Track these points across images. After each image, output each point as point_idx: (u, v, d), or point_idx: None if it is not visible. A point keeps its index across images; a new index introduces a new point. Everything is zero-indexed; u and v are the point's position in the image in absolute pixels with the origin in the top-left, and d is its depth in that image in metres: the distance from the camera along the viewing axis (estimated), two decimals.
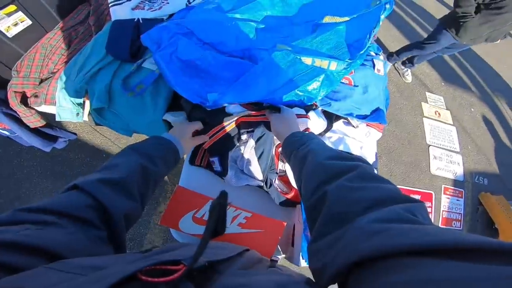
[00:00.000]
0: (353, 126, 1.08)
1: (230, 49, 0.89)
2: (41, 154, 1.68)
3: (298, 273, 0.45)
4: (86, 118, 1.07)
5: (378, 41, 2.92)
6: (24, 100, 1.04)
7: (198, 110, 0.92)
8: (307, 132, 0.68)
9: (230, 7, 0.89)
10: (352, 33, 0.78)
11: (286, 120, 0.74)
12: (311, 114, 0.90)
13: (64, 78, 1.03)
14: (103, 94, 0.98)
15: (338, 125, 1.07)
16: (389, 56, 2.73)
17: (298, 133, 0.66)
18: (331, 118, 1.03)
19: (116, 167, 0.51)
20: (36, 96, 1.04)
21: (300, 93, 0.86)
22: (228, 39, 0.87)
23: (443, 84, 2.98)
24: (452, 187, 2.42)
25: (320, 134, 0.96)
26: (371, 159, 1.13)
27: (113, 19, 1.09)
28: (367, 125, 1.11)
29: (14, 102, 1.01)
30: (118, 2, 1.13)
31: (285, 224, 0.84)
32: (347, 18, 0.80)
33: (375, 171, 1.12)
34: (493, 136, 2.86)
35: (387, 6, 0.73)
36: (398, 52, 2.61)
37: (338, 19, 0.81)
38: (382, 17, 0.73)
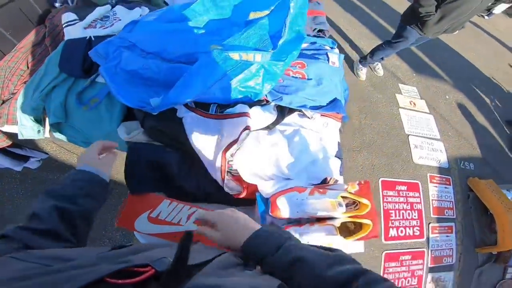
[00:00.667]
0: (308, 118, 1.11)
1: (174, 56, 0.93)
2: (20, 177, 1.70)
3: (273, 278, 0.44)
4: (47, 134, 1.10)
5: (346, 39, 3.00)
6: None
7: (150, 118, 0.95)
8: (274, 228, 0.55)
9: (171, 17, 0.94)
10: (273, 25, 0.82)
11: (233, 228, 0.55)
12: (254, 110, 0.93)
13: (22, 98, 1.06)
14: (59, 110, 1.02)
15: (293, 117, 1.10)
16: (362, 60, 2.75)
17: (262, 232, 0.52)
18: (283, 111, 1.06)
19: (36, 217, 0.51)
20: None
21: (243, 89, 0.89)
22: (170, 47, 0.92)
23: (414, 75, 3.04)
24: (438, 175, 2.43)
25: (268, 127, 0.98)
26: (333, 149, 1.15)
27: (66, 38, 1.14)
28: (322, 115, 1.13)
29: None
30: (71, 22, 1.18)
31: None
32: (267, 12, 0.84)
33: (340, 162, 1.13)
34: (471, 121, 2.89)
35: None
36: (372, 54, 2.63)
37: (260, 14, 0.85)
38: (292, 4, 0.77)
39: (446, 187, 2.40)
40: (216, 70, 0.78)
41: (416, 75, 3.04)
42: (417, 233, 2.13)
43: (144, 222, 0.83)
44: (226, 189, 0.91)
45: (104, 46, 0.97)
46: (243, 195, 0.91)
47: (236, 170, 0.91)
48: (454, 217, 2.29)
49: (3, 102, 1.10)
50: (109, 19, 1.19)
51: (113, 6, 1.23)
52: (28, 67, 1.17)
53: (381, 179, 2.23)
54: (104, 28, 1.16)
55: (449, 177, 2.45)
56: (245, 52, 0.77)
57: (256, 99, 0.97)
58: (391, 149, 2.42)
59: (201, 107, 0.95)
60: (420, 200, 2.26)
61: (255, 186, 0.92)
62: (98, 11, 1.20)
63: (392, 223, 2.09)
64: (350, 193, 0.93)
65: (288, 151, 0.97)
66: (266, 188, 0.89)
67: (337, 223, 0.87)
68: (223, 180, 0.90)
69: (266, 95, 1.05)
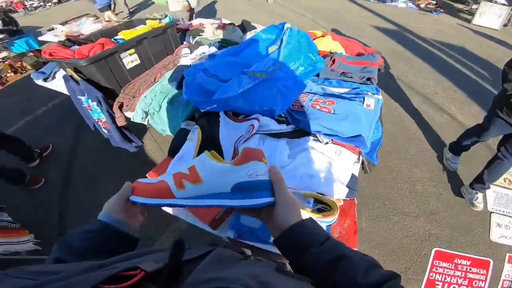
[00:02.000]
0: (320, 142, 1.29)
1: (226, 78, 1.37)
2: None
3: (270, 262, 0.48)
4: (146, 122, 1.69)
5: (431, 103, 2.82)
6: (120, 107, 1.76)
7: (202, 118, 1.39)
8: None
9: (229, 52, 1.43)
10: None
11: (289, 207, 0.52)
12: (269, 120, 1.22)
13: (142, 96, 1.70)
14: (156, 105, 1.59)
15: (307, 139, 1.31)
16: (473, 184, 2.18)
17: (309, 223, 0.50)
18: (298, 131, 1.29)
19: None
20: (127, 105, 1.75)
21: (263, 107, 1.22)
22: (224, 71, 1.38)
23: None
24: None
25: (275, 135, 1.22)
26: (344, 178, 1.24)
27: (178, 65, 1.77)
28: (334, 143, 1.28)
29: (115, 107, 1.73)
30: (185, 55, 1.84)
31: None
32: (276, 46, 1.21)
33: (347, 190, 1.21)
34: None
35: None
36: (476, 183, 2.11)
37: (274, 48, 1.22)
38: (284, 38, 1.09)
39: None
40: (241, 83, 1.16)
41: None
42: None
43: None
44: None
45: (190, 68, 1.50)
46: None
47: None
48: None
49: (134, 97, 1.77)
50: (205, 53, 1.79)
51: (209, 46, 1.83)
52: (155, 80, 1.85)
53: (435, 249, 1.94)
54: (200, 60, 1.75)
55: None
56: (258, 72, 1.13)
57: (273, 116, 1.27)
58: (461, 222, 2.07)
59: (234, 115, 1.32)
60: (486, 277, 1.82)
61: None
62: (201, 49, 1.82)
63: None
64: (322, 195, 1.04)
65: (286, 156, 1.18)
66: None
67: None
68: None
69: (285, 116, 1.33)
